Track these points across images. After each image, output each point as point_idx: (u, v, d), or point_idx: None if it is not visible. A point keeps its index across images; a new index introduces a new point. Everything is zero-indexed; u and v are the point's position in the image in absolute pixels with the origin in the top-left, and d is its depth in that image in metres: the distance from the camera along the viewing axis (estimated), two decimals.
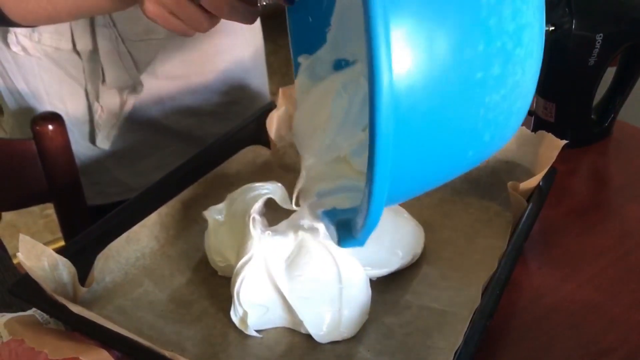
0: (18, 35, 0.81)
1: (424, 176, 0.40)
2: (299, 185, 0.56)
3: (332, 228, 0.47)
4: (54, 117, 0.77)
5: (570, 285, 0.63)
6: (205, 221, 0.65)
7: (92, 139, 0.88)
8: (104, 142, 0.87)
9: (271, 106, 0.80)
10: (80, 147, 0.89)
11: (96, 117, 0.86)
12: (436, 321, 0.57)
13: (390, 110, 0.33)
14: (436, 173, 0.41)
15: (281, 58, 2.61)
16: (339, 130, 0.52)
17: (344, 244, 0.45)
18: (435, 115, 0.36)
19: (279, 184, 0.67)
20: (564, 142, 0.63)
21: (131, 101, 0.86)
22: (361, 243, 0.43)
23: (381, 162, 0.35)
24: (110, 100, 0.85)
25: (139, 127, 0.89)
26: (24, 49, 0.81)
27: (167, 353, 0.48)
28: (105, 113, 0.85)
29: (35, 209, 2.05)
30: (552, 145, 0.64)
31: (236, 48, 0.92)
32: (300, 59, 0.57)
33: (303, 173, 0.56)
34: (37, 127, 0.76)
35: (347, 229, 0.45)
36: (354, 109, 0.51)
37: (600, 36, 0.74)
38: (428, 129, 0.37)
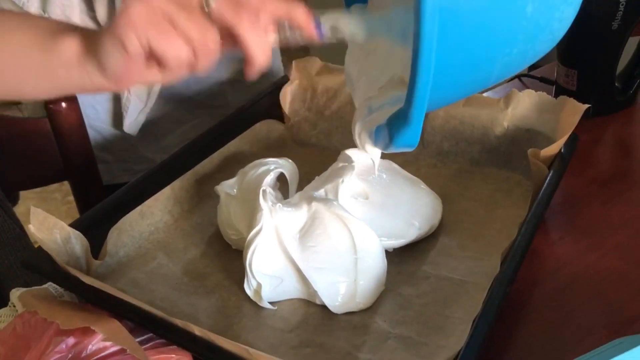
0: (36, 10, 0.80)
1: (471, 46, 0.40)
2: (356, 119, 0.55)
3: (385, 131, 0.46)
4: (68, 96, 0.77)
5: (594, 255, 0.61)
6: (218, 196, 0.64)
7: (117, 117, 0.87)
8: (132, 129, 0.86)
9: (284, 80, 0.79)
10: (106, 124, 0.88)
11: (123, 99, 0.85)
12: (454, 291, 0.56)
13: None
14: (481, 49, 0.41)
15: None
16: (389, 51, 0.53)
17: (397, 140, 0.43)
18: None
19: (290, 160, 0.66)
20: (586, 106, 0.61)
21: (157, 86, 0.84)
22: (414, 131, 0.41)
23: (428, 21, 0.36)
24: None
25: (163, 101, 0.88)
26: None
27: (179, 322, 0.48)
28: (133, 95, 0.84)
29: (57, 196, 2.07)
30: (574, 111, 0.62)
31: None
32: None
33: (358, 107, 0.55)
34: (51, 106, 0.76)
35: (398, 120, 0.43)
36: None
37: None
38: None
